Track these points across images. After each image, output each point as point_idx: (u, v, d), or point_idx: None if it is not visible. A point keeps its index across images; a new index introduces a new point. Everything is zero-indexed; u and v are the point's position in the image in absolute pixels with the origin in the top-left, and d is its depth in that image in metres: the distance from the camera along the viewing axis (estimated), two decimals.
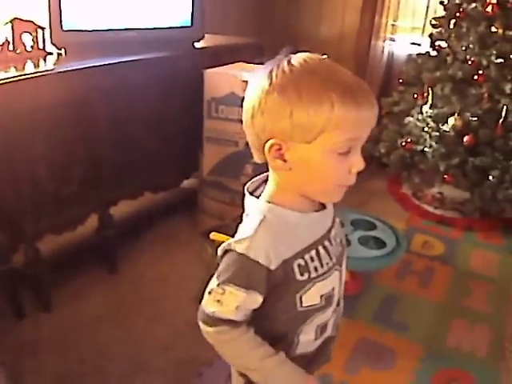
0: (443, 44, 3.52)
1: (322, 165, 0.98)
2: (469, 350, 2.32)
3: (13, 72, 2.19)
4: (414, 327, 2.42)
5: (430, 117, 3.29)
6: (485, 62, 3.22)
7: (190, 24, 2.74)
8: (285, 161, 0.99)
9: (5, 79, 2.08)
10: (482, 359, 2.27)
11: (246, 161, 2.61)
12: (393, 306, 2.56)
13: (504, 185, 3.13)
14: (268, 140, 0.97)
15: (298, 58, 0.97)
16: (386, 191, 3.78)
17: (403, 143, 3.39)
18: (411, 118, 3.45)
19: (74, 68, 2.31)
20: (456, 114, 3.17)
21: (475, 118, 3.18)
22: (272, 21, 3.93)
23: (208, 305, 1.05)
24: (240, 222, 1.09)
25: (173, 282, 2.60)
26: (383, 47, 4.22)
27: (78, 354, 2.15)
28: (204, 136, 2.74)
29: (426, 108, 3.35)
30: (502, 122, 3.13)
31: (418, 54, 3.66)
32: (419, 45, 4.00)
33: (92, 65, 2.36)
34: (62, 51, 2.49)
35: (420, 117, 3.38)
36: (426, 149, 3.28)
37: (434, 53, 3.57)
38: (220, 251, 1.05)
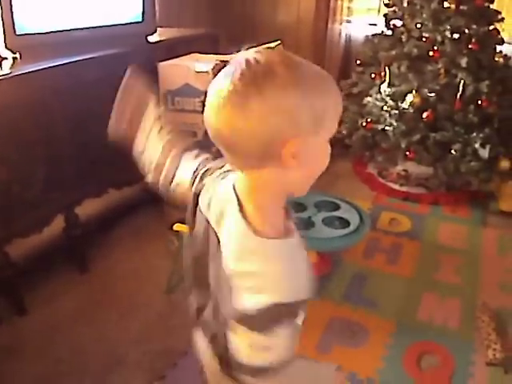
0: (398, 23, 3.57)
1: (325, 154, 0.95)
2: (441, 322, 2.37)
3: None
4: (384, 303, 2.46)
5: (388, 95, 3.32)
6: (439, 38, 3.27)
7: (141, 19, 2.74)
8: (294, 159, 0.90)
9: None
10: (455, 330, 2.32)
11: (206, 150, 2.62)
12: (362, 284, 2.59)
13: (466, 158, 3.19)
14: (284, 142, 0.87)
15: (273, 55, 0.90)
16: (351, 172, 3.82)
17: (364, 123, 3.43)
18: (370, 98, 3.48)
19: (29, 71, 2.30)
20: (414, 91, 3.21)
21: (433, 94, 3.22)
22: (228, 10, 3.93)
23: None
24: None
25: (144, 275, 2.61)
26: (340, 30, 4.25)
27: (56, 354, 2.16)
28: None
29: (384, 87, 3.39)
30: (460, 95, 3.18)
31: (373, 35, 3.70)
32: (375, 25, 4.04)
33: (46, 66, 2.35)
34: (17, 55, 2.47)
35: (379, 96, 3.41)
36: (386, 127, 3.32)
37: (389, 32, 3.61)
38: None
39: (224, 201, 0.99)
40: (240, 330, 0.95)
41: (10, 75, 2.27)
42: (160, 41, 2.86)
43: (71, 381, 2.05)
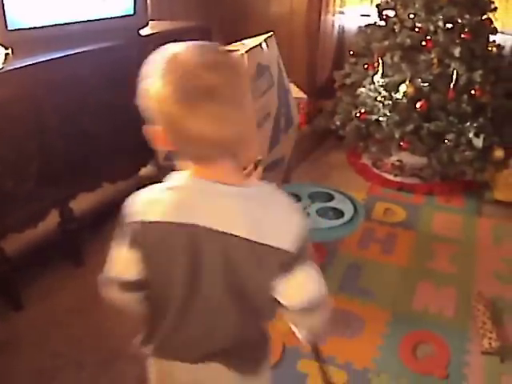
0: (391, 13, 3.55)
1: None
2: (436, 311, 2.38)
3: None
4: (379, 293, 2.47)
5: (381, 86, 3.32)
6: (432, 28, 3.26)
7: (132, 12, 2.72)
8: None
9: None
10: (450, 319, 2.33)
11: None
12: (357, 274, 2.60)
13: (460, 147, 3.19)
14: None
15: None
16: (345, 163, 3.81)
17: (358, 114, 3.43)
18: (364, 89, 3.48)
19: (21, 65, 2.29)
20: (407, 81, 3.20)
21: (426, 84, 3.22)
22: (221, 2, 3.91)
23: None
24: None
25: None
26: (333, 21, 4.24)
27: (52, 348, 2.16)
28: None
29: (377, 77, 3.38)
30: (454, 85, 3.17)
31: (366, 25, 3.68)
32: (368, 16, 4.03)
33: (39, 61, 2.34)
34: (9, 51, 2.46)
35: (372, 87, 3.41)
36: (380, 118, 3.32)
37: (382, 23, 3.60)
38: None
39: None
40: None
41: (1, 70, 2.26)
42: (152, 34, 2.84)
43: (68, 375, 2.05)
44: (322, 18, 4.12)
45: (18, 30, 2.41)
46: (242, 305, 1.07)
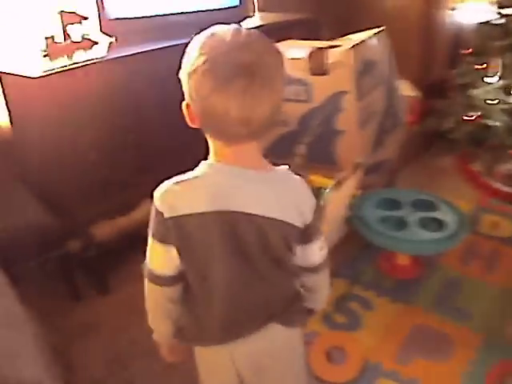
0: (511, 11, 3.27)
1: None
2: None
3: (63, 62, 2.25)
4: (475, 315, 2.27)
5: (498, 88, 3.07)
6: None
7: (238, 3, 2.67)
8: None
9: (62, 67, 2.17)
10: None
11: (298, 141, 2.53)
12: (455, 292, 2.41)
13: None
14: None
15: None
16: (454, 169, 3.57)
17: (471, 117, 3.20)
18: (478, 90, 3.23)
19: (122, 55, 2.32)
20: None
21: None
22: None
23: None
24: None
25: None
26: (449, 17, 3.98)
27: (131, 335, 2.19)
28: None
29: (493, 79, 3.14)
30: None
31: (484, 23, 3.42)
32: (487, 13, 3.74)
33: (140, 51, 2.37)
34: (113, 39, 2.50)
35: (488, 88, 3.16)
36: (495, 123, 3.08)
37: (501, 20, 3.33)
38: None
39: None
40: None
41: (104, 59, 2.30)
42: (257, 26, 2.78)
43: (142, 363, 2.06)
44: (438, 13, 3.89)
45: (121, 19, 2.44)
46: (280, 268, 1.19)
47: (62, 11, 2.38)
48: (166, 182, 1.11)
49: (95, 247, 2.40)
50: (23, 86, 2.21)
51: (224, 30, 1.02)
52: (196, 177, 1.08)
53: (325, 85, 2.39)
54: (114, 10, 2.40)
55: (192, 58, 1.00)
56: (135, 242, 2.50)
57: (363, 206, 2.42)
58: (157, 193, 1.10)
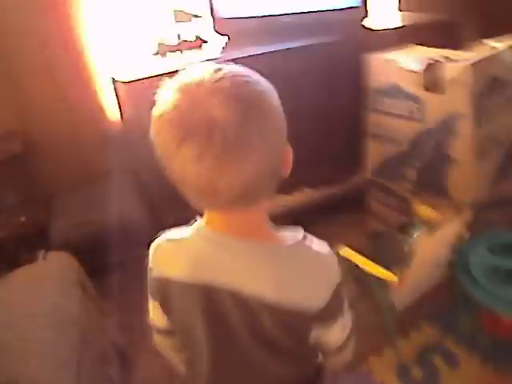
0: None
1: None
2: None
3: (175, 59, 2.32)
4: None
5: None
6: None
7: (360, 3, 2.40)
8: None
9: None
10: None
11: (409, 164, 2.26)
12: None
13: None
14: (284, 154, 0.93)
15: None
16: None
17: None
18: None
19: (237, 57, 2.24)
20: None
21: None
22: None
23: None
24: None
25: None
26: None
27: None
28: (367, 131, 2.43)
29: None
30: None
31: None
32: None
33: (255, 53, 2.29)
34: (225, 39, 2.42)
35: None
36: None
37: None
38: None
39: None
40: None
41: (218, 59, 2.24)
42: (380, 30, 2.51)
43: None
44: None
45: (233, 18, 2.35)
46: (280, 355, 1.00)
47: (175, 10, 2.35)
48: (163, 235, 1.01)
49: None
50: (134, 85, 2.22)
51: (199, 72, 0.85)
52: (183, 239, 0.96)
53: (439, 104, 2.07)
54: (224, 9, 2.32)
55: (156, 112, 0.85)
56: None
57: (472, 250, 2.06)
58: (152, 244, 1.01)
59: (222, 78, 0.82)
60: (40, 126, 2.48)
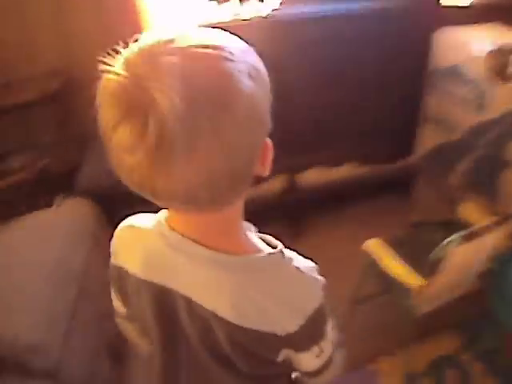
0: None
1: None
2: None
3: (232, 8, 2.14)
4: None
5: None
6: None
7: None
8: None
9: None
10: None
11: (462, 155, 2.04)
12: None
13: None
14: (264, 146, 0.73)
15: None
16: None
17: None
18: None
19: (289, 16, 2.14)
20: None
21: None
22: None
23: None
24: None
25: (337, 268, 2.26)
26: None
27: None
28: (425, 112, 2.22)
29: None
30: None
31: None
32: None
33: (306, 15, 2.14)
34: None
35: None
36: None
37: None
38: None
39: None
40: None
41: (270, 18, 2.12)
42: (458, 6, 2.23)
43: None
44: None
45: None
46: (239, 374, 0.85)
47: None
48: (126, 220, 0.88)
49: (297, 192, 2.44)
50: None
51: (156, 38, 0.65)
52: (143, 229, 0.83)
53: (505, 95, 1.85)
54: None
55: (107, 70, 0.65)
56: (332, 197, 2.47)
57: (511, 265, 1.87)
58: (118, 227, 0.88)
59: (172, 50, 0.63)
60: (83, 65, 2.42)
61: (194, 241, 0.76)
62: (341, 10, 2.12)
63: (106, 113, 0.64)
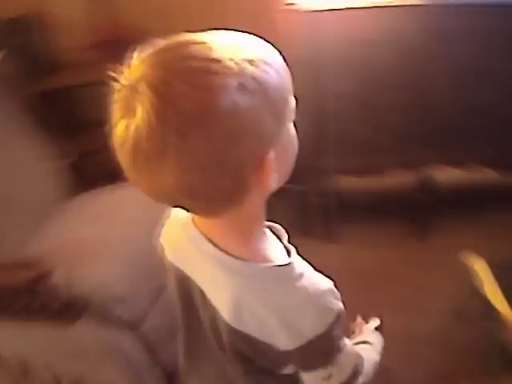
0: None
1: (293, 137, 0.76)
2: None
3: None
4: None
5: None
6: None
7: None
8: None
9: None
10: None
11: None
12: None
13: None
14: (259, 162, 0.68)
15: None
16: None
17: None
18: None
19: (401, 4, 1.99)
20: None
21: None
22: None
23: None
24: None
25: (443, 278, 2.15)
26: None
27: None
28: None
29: None
30: None
31: None
32: None
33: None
34: None
35: None
36: None
37: None
38: None
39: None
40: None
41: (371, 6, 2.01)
42: None
43: None
44: None
45: None
46: (245, 364, 0.84)
47: None
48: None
49: (333, 196, 2.32)
50: (319, 15, 2.07)
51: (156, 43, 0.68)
52: (180, 217, 0.85)
53: None
54: None
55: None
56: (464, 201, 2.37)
57: None
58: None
59: (152, 55, 0.66)
60: None
61: (208, 238, 0.78)
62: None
63: (113, 111, 0.66)
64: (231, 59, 0.64)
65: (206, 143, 0.62)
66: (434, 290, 2.12)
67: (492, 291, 1.68)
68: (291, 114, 0.73)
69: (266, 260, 0.77)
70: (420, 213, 2.35)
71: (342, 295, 0.81)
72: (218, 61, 0.63)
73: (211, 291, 0.80)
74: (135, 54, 0.66)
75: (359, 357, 0.90)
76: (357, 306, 1.14)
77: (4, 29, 2.41)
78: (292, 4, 2.13)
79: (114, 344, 1.64)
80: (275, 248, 0.81)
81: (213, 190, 0.67)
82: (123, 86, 0.65)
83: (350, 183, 2.36)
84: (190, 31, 0.68)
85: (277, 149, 0.70)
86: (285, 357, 0.78)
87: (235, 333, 0.77)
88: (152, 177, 0.65)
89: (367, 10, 1.98)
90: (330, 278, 0.81)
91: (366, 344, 1.02)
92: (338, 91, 2.08)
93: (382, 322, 1.14)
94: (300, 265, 0.78)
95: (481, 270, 1.74)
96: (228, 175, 0.66)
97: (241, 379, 0.87)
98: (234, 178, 0.67)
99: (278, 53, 0.71)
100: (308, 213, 2.40)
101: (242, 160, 0.67)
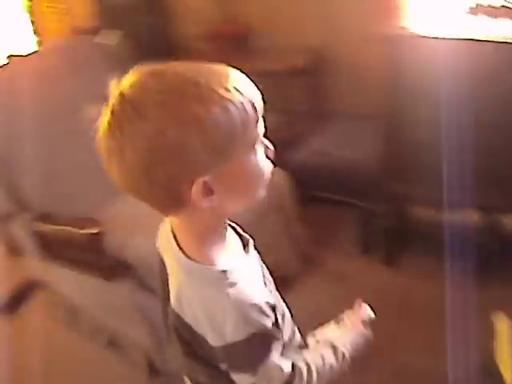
0: None
1: (254, 166, 0.82)
2: None
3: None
4: None
5: None
6: None
7: None
8: (212, 193, 0.79)
9: None
10: None
11: None
12: None
13: None
14: (192, 182, 0.76)
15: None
16: None
17: None
18: None
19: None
20: None
21: None
22: None
23: None
24: None
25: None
26: None
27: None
28: None
29: None
30: None
31: None
32: None
33: None
34: None
35: None
36: None
37: None
38: None
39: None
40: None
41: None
42: None
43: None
44: None
45: None
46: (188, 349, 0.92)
47: None
48: None
49: (398, 219, 2.35)
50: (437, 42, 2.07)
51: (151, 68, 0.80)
52: None
53: None
54: None
55: None
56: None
57: None
58: None
59: (134, 76, 0.78)
60: (336, 48, 2.55)
61: (174, 233, 0.89)
62: None
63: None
64: (182, 96, 0.74)
65: (135, 156, 0.74)
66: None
67: (503, 353, 1.64)
68: (246, 146, 0.79)
69: (209, 262, 0.85)
70: (483, 255, 2.29)
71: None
72: (168, 94, 0.74)
73: (170, 277, 0.91)
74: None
75: (299, 374, 0.93)
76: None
77: (124, 10, 2.56)
78: (405, 28, 2.18)
79: (145, 307, 1.83)
80: (228, 254, 0.89)
81: (149, 196, 0.80)
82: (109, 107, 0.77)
83: (419, 212, 2.35)
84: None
85: (220, 175, 0.77)
86: (214, 352, 0.85)
87: (178, 318, 0.87)
88: (111, 172, 0.78)
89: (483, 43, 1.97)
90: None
91: (329, 349, 1.03)
92: (430, 121, 2.11)
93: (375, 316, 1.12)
94: (240, 276, 0.84)
95: (502, 330, 1.71)
96: (158, 187, 0.77)
97: (181, 359, 0.95)
98: (165, 191, 0.78)
99: (248, 88, 0.77)
100: (373, 232, 2.42)
101: (169, 177, 0.76)
